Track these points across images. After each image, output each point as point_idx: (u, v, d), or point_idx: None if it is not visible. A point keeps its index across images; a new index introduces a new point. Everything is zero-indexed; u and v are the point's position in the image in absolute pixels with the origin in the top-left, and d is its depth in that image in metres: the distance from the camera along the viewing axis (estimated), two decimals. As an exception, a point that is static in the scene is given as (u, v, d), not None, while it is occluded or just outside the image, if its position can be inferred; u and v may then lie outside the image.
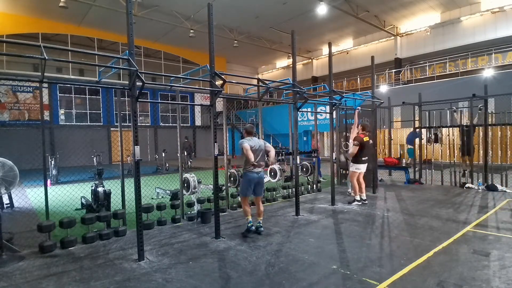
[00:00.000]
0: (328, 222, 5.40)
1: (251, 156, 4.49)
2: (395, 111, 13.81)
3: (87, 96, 20.19)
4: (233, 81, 7.15)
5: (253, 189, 4.78)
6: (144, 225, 4.84)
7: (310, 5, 16.77)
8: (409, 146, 10.35)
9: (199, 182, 6.19)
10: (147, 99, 20.37)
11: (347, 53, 24.33)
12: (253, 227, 4.73)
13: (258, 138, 5.13)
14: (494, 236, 4.38)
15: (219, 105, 18.19)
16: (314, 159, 8.82)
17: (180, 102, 5.42)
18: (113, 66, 4.49)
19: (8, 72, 17.48)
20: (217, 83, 4.70)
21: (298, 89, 5.87)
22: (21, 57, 4.56)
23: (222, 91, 4.64)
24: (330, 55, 7.00)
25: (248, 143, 4.59)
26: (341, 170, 9.41)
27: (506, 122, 8.60)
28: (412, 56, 20.55)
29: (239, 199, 6.83)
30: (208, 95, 6.00)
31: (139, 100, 3.90)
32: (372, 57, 8.40)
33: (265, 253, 3.95)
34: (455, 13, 18.44)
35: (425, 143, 9.95)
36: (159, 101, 24.25)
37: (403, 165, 9.97)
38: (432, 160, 10.19)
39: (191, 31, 18.84)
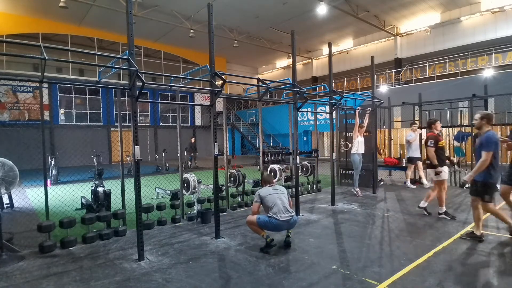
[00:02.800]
0: (328, 222, 5.40)
1: (254, 208, 4.16)
2: (395, 111, 13.80)
3: (87, 96, 20.19)
4: (233, 81, 7.17)
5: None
6: (144, 225, 4.84)
7: (310, 5, 16.77)
8: (456, 144, 10.14)
9: (199, 182, 6.19)
10: (147, 99, 20.38)
11: (347, 53, 24.33)
12: (274, 241, 3.98)
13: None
14: (494, 236, 4.39)
15: (219, 105, 18.18)
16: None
17: (180, 102, 5.42)
18: (113, 66, 4.49)
19: (8, 72, 17.48)
20: (217, 83, 4.70)
21: (298, 89, 5.87)
22: (21, 57, 4.57)
23: (222, 91, 4.64)
24: (330, 55, 7.01)
25: (260, 195, 4.18)
26: (341, 170, 9.41)
27: (506, 122, 8.60)
28: (412, 56, 20.56)
29: (239, 199, 6.86)
30: (208, 95, 6.00)
31: (139, 100, 3.90)
32: (372, 57, 8.40)
33: (265, 253, 3.95)
34: (455, 13, 18.45)
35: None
36: (159, 101, 24.26)
37: (403, 165, 9.96)
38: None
39: (191, 31, 18.83)
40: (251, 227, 4.16)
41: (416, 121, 9.54)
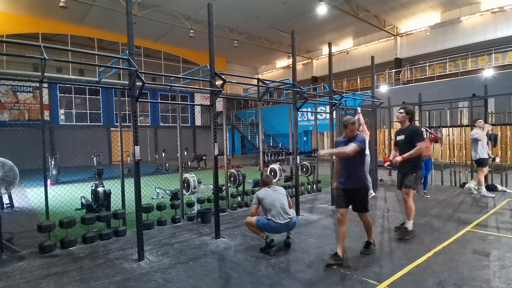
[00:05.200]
0: (328, 222, 5.40)
1: (253, 210, 4.14)
2: (395, 111, 13.79)
3: (87, 96, 20.19)
4: (233, 81, 7.17)
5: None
6: (144, 225, 4.84)
7: (310, 5, 16.78)
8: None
9: (199, 182, 6.19)
10: (147, 99, 20.38)
11: (347, 53, 24.34)
12: (273, 242, 3.97)
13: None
14: (494, 236, 4.38)
15: (219, 105, 18.19)
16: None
17: (180, 102, 5.42)
18: (113, 66, 4.50)
19: (8, 72, 17.48)
20: (217, 83, 4.71)
21: (298, 89, 5.87)
22: (21, 57, 4.57)
23: (222, 91, 4.64)
24: (330, 55, 7.01)
25: (258, 196, 4.15)
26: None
27: (506, 122, 8.60)
28: (412, 56, 20.56)
29: (239, 199, 6.86)
30: (208, 95, 6.00)
31: (139, 100, 3.90)
32: (372, 57, 8.40)
33: (265, 253, 3.95)
34: (455, 13, 18.45)
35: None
36: (159, 101, 24.26)
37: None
38: (432, 160, 10.18)
39: (191, 31, 18.84)
40: (250, 228, 4.14)
41: (481, 117, 8.03)
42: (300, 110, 6.09)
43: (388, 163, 4.82)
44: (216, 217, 4.63)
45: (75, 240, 4.39)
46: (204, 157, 15.90)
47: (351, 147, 3.56)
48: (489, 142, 8.58)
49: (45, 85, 15.01)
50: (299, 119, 8.86)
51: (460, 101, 9.38)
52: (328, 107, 7.36)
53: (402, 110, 4.55)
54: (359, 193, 3.77)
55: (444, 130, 9.53)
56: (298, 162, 6.11)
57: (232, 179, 6.86)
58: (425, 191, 7.38)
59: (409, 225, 4.44)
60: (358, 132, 3.83)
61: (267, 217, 3.97)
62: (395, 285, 3.04)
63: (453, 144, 9.42)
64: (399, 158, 4.34)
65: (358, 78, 21.65)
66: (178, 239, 4.60)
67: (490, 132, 8.79)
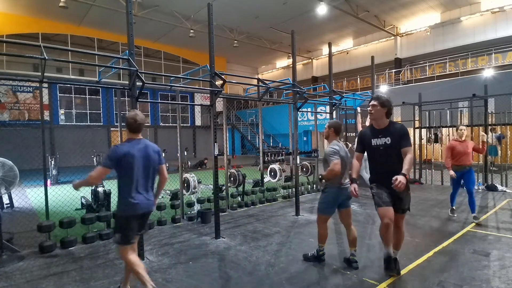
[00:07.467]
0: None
1: (337, 167, 3.28)
2: (395, 111, 13.78)
3: (87, 96, 20.18)
4: (233, 81, 7.18)
5: (341, 203, 3.57)
6: (144, 225, 4.84)
7: (310, 5, 16.77)
8: (494, 143, 9.49)
9: (199, 182, 6.19)
10: (147, 99, 20.33)
11: (347, 53, 24.33)
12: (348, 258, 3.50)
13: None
14: (494, 236, 4.38)
15: (219, 105, 18.18)
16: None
17: (180, 102, 5.42)
18: (113, 66, 4.50)
19: (8, 72, 17.47)
20: (217, 83, 4.71)
21: (298, 89, 5.87)
22: (21, 57, 4.58)
23: (222, 91, 4.64)
24: (330, 55, 7.01)
25: (339, 153, 3.37)
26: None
27: (506, 122, 8.59)
28: (412, 56, 20.56)
29: (239, 199, 6.86)
30: (208, 95, 6.01)
31: (139, 100, 3.90)
32: (372, 57, 8.41)
33: (265, 253, 3.95)
34: (455, 13, 18.45)
35: (425, 143, 9.96)
36: (159, 101, 24.26)
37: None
38: (432, 160, 10.19)
39: (191, 31, 18.84)
40: (320, 228, 3.59)
41: None
42: (300, 110, 6.10)
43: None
44: (216, 217, 4.63)
45: (75, 240, 4.39)
46: (206, 161, 15.93)
47: None
48: (498, 142, 8.54)
49: (45, 85, 15.02)
50: (299, 119, 8.87)
51: (460, 101, 9.38)
52: (328, 107, 7.36)
53: (375, 102, 3.13)
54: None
55: (444, 130, 9.52)
56: (298, 162, 6.11)
57: (232, 179, 6.87)
58: (475, 214, 5.16)
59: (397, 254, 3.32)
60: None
61: (338, 185, 3.40)
62: (395, 285, 3.04)
63: (492, 144, 9.36)
64: (403, 179, 2.87)
65: (358, 78, 21.64)
66: (178, 239, 4.60)
67: (498, 133, 8.75)
